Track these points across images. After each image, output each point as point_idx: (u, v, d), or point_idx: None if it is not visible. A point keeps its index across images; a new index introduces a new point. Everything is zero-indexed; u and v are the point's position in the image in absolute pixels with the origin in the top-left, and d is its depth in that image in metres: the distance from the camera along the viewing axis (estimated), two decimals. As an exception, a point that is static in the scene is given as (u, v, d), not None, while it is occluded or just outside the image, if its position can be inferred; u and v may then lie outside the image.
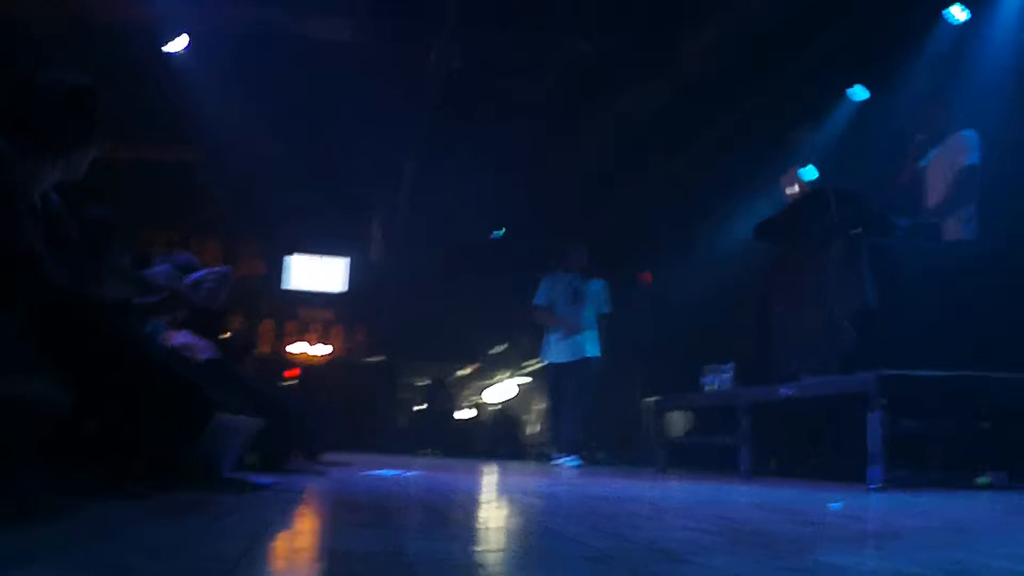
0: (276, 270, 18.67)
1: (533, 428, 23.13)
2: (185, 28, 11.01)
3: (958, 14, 9.22)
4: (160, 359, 3.67)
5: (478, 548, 2.37)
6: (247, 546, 2.17)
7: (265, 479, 4.34)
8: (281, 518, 3.04)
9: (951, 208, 7.21)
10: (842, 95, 10.75)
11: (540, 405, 23.31)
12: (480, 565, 2.04)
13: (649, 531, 2.87)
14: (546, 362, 10.84)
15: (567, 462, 10.08)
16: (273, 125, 13.35)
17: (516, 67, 12.10)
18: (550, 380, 10.91)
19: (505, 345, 22.54)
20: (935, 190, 7.41)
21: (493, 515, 3.51)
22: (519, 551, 2.44)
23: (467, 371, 25.80)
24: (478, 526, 3.05)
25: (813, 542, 2.63)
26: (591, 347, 10.56)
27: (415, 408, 20.00)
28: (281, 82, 12.14)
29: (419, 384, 21.07)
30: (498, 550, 2.37)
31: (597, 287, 10.81)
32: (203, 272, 4.43)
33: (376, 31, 11.43)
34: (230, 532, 2.53)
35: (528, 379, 24.16)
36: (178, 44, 11.09)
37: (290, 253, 18.61)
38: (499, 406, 22.27)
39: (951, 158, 7.33)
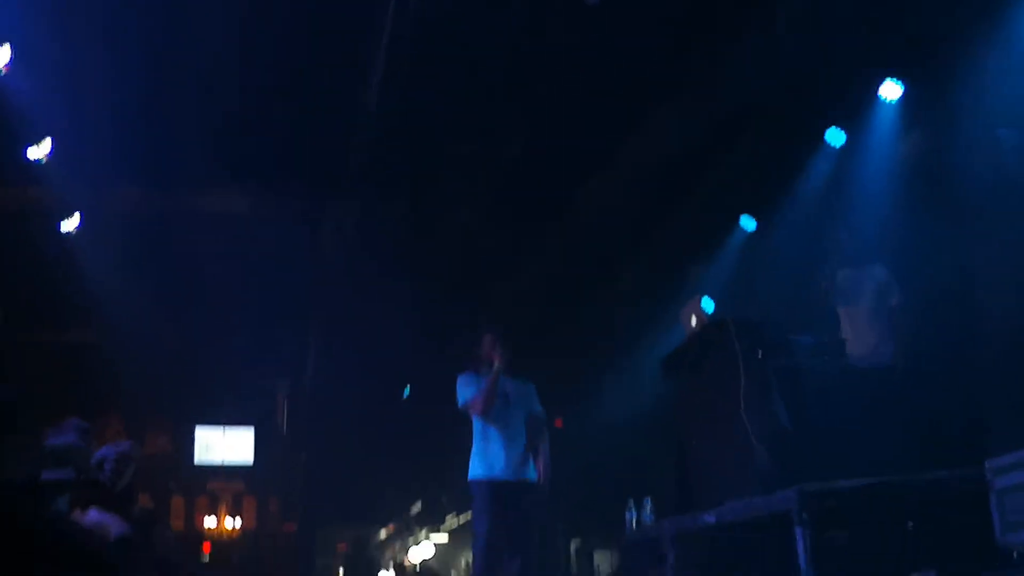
0: (184, 445, 18.32)
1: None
2: (80, 208, 11.00)
3: (835, 138, 9.52)
4: (71, 540, 3.58)
5: None
6: None
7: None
8: None
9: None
10: (734, 227, 10.99)
11: (464, 558, 22.99)
12: None
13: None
14: (478, 479, 7.74)
15: None
16: (173, 299, 13.27)
17: (415, 233, 12.23)
18: (484, 504, 7.65)
19: (420, 504, 22.32)
20: (867, 331, 7.66)
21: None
22: None
23: (383, 535, 25.43)
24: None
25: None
26: (530, 467, 7.97)
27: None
28: (179, 256, 12.12)
29: (339, 550, 20.64)
30: None
31: (525, 388, 8.33)
32: (106, 449, 4.34)
33: (273, 201, 11.52)
34: None
35: (446, 537, 23.87)
36: (71, 223, 11.06)
37: (195, 426, 18.29)
38: (419, 566, 21.92)
39: (877, 298, 7.67)
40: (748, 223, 10.88)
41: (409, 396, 17.47)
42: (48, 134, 10.13)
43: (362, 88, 9.89)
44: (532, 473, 7.92)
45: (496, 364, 7.76)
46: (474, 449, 7.89)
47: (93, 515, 5.96)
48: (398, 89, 9.69)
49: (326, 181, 11.21)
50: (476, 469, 7.80)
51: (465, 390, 7.94)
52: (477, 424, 7.91)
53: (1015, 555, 5.63)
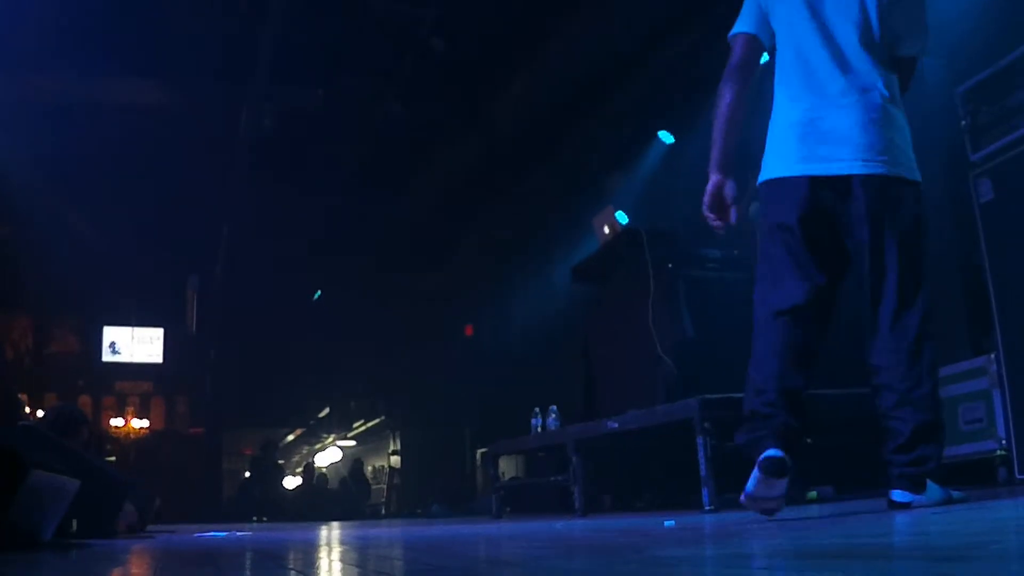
0: (92, 344, 18.03)
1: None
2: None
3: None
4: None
5: None
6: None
7: (90, 542, 4.16)
8: (110, 564, 2.91)
9: None
10: (652, 139, 10.94)
11: (372, 464, 23.07)
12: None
13: (488, 551, 2.85)
14: (774, 176, 3.68)
15: None
16: (84, 194, 12.95)
17: (329, 129, 12.03)
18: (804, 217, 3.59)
19: (327, 410, 22.33)
20: None
21: (330, 553, 3.41)
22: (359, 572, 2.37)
23: (290, 439, 25.45)
24: (315, 561, 2.96)
25: (650, 546, 2.64)
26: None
27: (244, 476, 19.45)
28: (91, 150, 11.77)
29: (245, 453, 20.60)
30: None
31: None
32: None
33: (185, 93, 11.22)
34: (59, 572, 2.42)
35: (353, 442, 23.94)
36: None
37: (105, 326, 18.01)
38: (325, 470, 21.97)
39: None
40: (666, 137, 10.84)
41: (320, 299, 17.39)
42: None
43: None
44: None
45: None
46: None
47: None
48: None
49: (239, 74, 10.91)
50: (779, 159, 3.69)
51: None
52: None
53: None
